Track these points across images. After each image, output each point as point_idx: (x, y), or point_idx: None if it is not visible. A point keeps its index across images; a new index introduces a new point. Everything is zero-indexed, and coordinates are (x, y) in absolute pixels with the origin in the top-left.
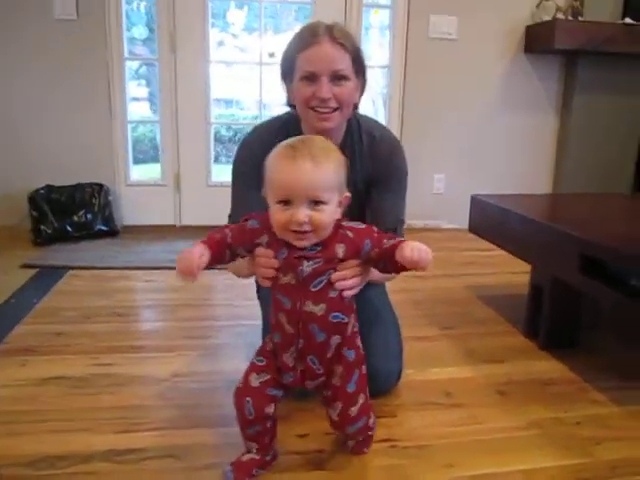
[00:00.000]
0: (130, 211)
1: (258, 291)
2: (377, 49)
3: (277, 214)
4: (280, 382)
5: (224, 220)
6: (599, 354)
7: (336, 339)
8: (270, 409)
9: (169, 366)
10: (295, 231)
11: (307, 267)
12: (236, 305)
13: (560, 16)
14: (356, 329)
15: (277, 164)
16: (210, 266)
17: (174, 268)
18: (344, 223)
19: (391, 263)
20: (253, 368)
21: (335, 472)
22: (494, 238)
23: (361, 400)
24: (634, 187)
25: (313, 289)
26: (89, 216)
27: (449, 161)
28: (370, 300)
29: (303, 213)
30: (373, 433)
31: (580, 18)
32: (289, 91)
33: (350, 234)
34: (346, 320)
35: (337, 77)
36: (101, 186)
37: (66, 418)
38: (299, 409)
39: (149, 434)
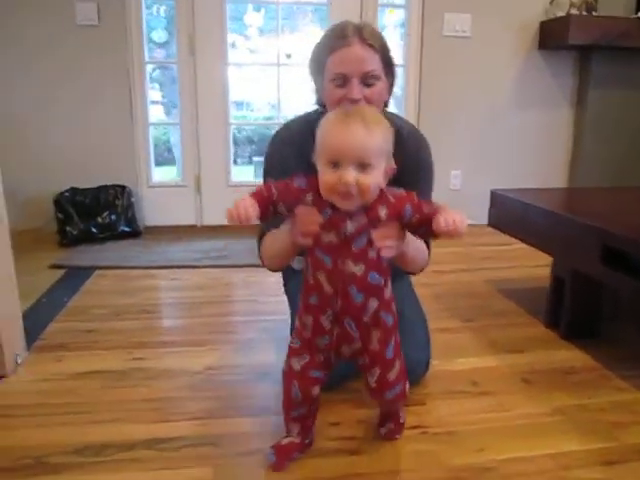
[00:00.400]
0: (152, 212)
1: (285, 285)
2: (393, 48)
3: (326, 175)
4: (320, 362)
5: None
6: (620, 344)
7: (373, 302)
8: (315, 391)
9: (201, 360)
10: (341, 193)
11: (350, 226)
12: (260, 301)
13: (574, 12)
14: (392, 295)
15: (330, 127)
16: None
17: (197, 267)
18: (386, 189)
19: (429, 230)
20: (292, 352)
21: (368, 457)
22: (515, 232)
23: (398, 365)
24: None
25: (354, 248)
26: (113, 217)
27: (465, 158)
28: (396, 291)
29: (351, 174)
30: (404, 420)
31: (594, 13)
32: (318, 91)
33: (392, 199)
34: (382, 282)
35: (368, 78)
36: (124, 188)
37: (106, 409)
38: (329, 400)
39: (187, 423)
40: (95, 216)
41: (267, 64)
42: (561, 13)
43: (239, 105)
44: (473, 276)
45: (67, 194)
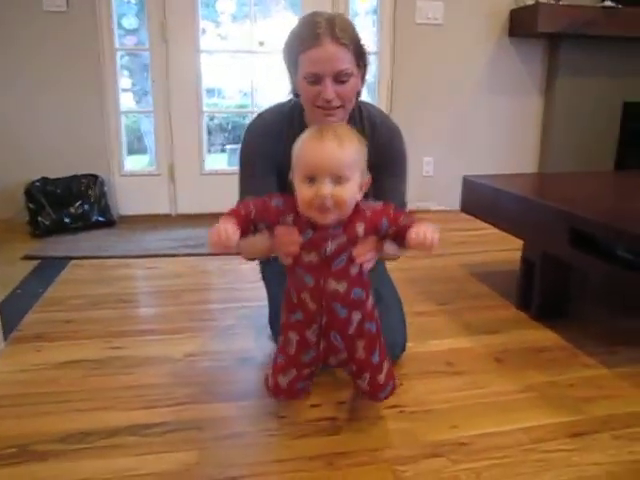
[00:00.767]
0: (126, 201)
1: (262, 272)
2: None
3: (303, 191)
4: (307, 375)
5: (219, 208)
6: (588, 323)
7: (357, 315)
8: (302, 395)
9: (181, 347)
10: (318, 207)
11: (331, 246)
12: (237, 289)
13: (542, 0)
14: (374, 303)
15: (305, 145)
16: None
17: (174, 255)
18: (362, 203)
19: (404, 242)
20: (278, 369)
21: (349, 437)
22: (486, 217)
23: (386, 367)
24: (616, 166)
25: (335, 267)
26: (86, 207)
27: (437, 144)
28: (373, 275)
29: (327, 187)
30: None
31: (561, 2)
32: (293, 82)
33: (368, 213)
34: (364, 296)
35: (340, 76)
36: (96, 177)
37: (88, 398)
38: None
39: (170, 409)
40: (67, 206)
41: (239, 51)
42: (530, 1)
43: (210, 92)
44: (447, 261)
45: (38, 184)
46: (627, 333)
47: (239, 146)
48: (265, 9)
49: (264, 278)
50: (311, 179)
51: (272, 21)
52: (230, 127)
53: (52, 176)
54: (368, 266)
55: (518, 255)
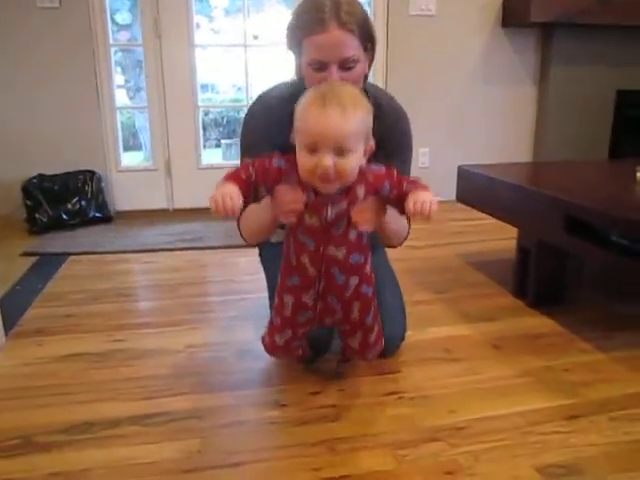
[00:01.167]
0: (123, 197)
1: (260, 252)
2: None
3: (303, 159)
4: (302, 334)
5: None
6: (583, 309)
7: (354, 279)
8: (299, 351)
9: (181, 339)
10: (320, 176)
11: (332, 212)
12: (236, 281)
13: None
14: (372, 267)
15: (307, 112)
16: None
17: (171, 250)
18: (366, 167)
19: (403, 208)
20: (274, 329)
21: (350, 423)
22: (482, 206)
23: (377, 327)
24: (610, 153)
25: (335, 232)
26: (83, 203)
27: (433, 135)
28: (374, 265)
29: (329, 160)
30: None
31: None
32: (297, 65)
33: (371, 178)
34: (363, 260)
35: (347, 63)
36: (93, 173)
37: (89, 390)
38: (309, 372)
39: (171, 399)
40: (65, 202)
41: (233, 45)
42: None
43: (204, 87)
44: (444, 251)
45: (35, 181)
46: (623, 318)
47: (240, 130)
48: (258, 3)
49: (262, 257)
50: (312, 149)
51: (265, 15)
52: (225, 122)
53: (49, 172)
54: (366, 227)
55: (514, 244)
